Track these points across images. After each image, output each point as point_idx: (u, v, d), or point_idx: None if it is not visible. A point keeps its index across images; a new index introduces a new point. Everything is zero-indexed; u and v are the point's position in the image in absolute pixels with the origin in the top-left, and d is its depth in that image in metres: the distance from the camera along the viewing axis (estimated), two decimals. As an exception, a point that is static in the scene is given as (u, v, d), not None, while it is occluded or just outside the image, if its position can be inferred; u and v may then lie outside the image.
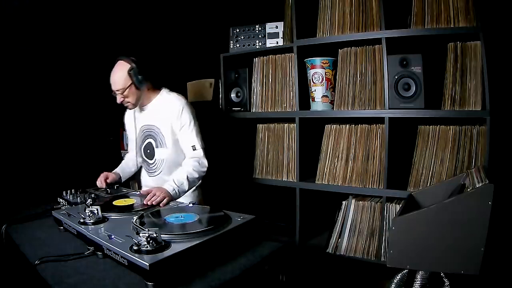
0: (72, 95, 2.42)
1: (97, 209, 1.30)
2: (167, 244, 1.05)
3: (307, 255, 2.21)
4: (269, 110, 2.35)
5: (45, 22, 2.29)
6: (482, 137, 1.74)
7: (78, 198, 1.62)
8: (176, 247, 1.04)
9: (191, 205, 1.47)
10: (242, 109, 2.46)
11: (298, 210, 2.21)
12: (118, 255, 1.05)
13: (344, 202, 2.11)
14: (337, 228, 2.12)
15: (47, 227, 1.46)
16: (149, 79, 1.78)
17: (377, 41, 1.94)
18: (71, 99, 2.41)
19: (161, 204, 1.52)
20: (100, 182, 1.82)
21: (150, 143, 1.85)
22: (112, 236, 1.14)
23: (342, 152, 2.09)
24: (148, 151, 1.87)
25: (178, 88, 2.97)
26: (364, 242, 2.03)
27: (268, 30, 2.37)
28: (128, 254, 1.01)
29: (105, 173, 1.86)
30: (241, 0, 2.82)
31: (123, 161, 2.05)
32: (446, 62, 1.83)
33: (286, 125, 2.30)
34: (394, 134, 1.91)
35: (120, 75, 1.69)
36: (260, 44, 2.39)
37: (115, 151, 1.99)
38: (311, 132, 2.25)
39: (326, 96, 2.14)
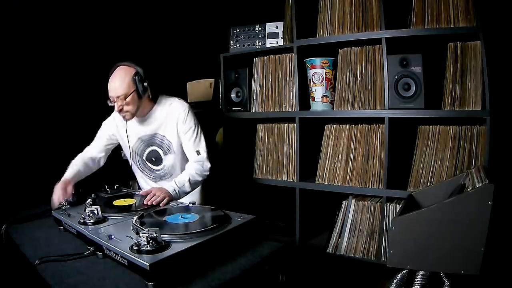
0: (72, 95, 2.42)
1: (97, 209, 1.30)
2: (167, 244, 1.05)
3: (307, 255, 2.21)
4: (269, 110, 2.35)
5: (45, 22, 2.29)
6: (482, 137, 1.74)
7: (78, 198, 1.62)
8: (176, 247, 1.04)
9: (191, 205, 1.47)
10: (242, 109, 2.46)
11: (298, 210, 2.21)
12: (118, 255, 1.05)
13: (344, 202, 2.11)
14: (337, 228, 2.12)
15: (47, 227, 1.46)
16: (152, 88, 1.71)
17: (377, 41, 1.94)
18: (71, 99, 2.41)
19: (161, 204, 1.52)
20: (58, 198, 1.55)
21: (154, 151, 1.83)
22: (112, 236, 1.14)
23: (342, 152, 2.09)
24: (153, 158, 1.85)
25: (178, 88, 2.99)
26: (364, 242, 2.03)
27: (268, 30, 2.37)
28: (128, 254, 1.01)
29: (60, 186, 1.59)
30: (241, 0, 2.83)
31: (76, 163, 1.78)
32: (446, 62, 1.82)
33: (286, 125, 2.30)
34: (394, 134, 1.91)
35: (122, 81, 1.62)
36: (260, 44, 2.39)
37: (115, 151, 1.99)
38: (311, 132, 2.25)
39: (326, 96, 2.14)
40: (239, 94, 2.49)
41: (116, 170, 2.06)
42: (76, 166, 1.76)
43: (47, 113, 2.33)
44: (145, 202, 1.51)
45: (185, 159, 1.85)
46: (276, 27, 2.35)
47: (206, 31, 3.03)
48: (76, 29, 2.44)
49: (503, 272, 1.64)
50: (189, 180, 1.69)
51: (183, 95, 2.94)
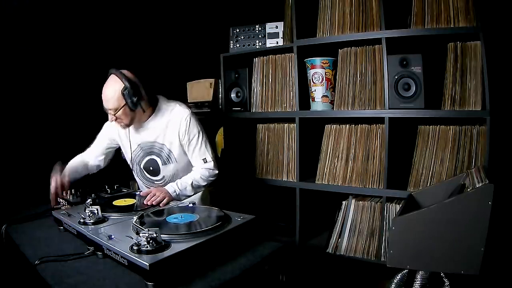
0: (72, 95, 2.41)
1: (97, 209, 1.30)
2: (167, 244, 1.05)
3: (307, 255, 2.21)
4: (269, 110, 2.35)
5: (45, 22, 2.29)
6: (482, 137, 1.74)
7: (78, 198, 1.62)
8: (176, 247, 1.04)
9: (191, 205, 1.47)
10: (242, 109, 2.46)
11: (298, 210, 2.21)
12: (118, 255, 1.05)
13: (344, 202, 2.11)
14: (337, 228, 2.12)
15: (47, 227, 1.45)
16: (147, 98, 1.65)
17: (377, 41, 1.94)
18: (71, 99, 2.41)
19: (161, 204, 1.52)
20: (54, 198, 1.57)
21: (152, 160, 1.76)
22: (112, 236, 1.14)
23: (342, 152, 2.09)
24: (151, 168, 1.79)
25: (178, 88, 2.99)
26: (364, 242, 2.03)
27: (268, 30, 2.37)
28: (128, 254, 1.01)
29: (55, 185, 1.59)
30: (241, 0, 2.82)
31: (74, 161, 1.80)
32: (446, 62, 1.83)
33: (286, 125, 2.30)
34: (394, 134, 1.91)
35: (112, 94, 1.55)
36: (260, 44, 2.39)
37: (114, 151, 1.99)
38: (311, 132, 2.25)
39: (326, 96, 2.14)
40: (239, 94, 2.49)
41: (116, 170, 2.06)
42: (73, 163, 1.77)
43: (47, 113, 2.33)
44: (145, 202, 1.51)
45: (187, 168, 1.78)
46: (276, 27, 2.35)
47: (206, 31, 3.03)
48: (76, 28, 2.44)
49: (503, 272, 1.64)
50: (191, 183, 1.67)
51: (183, 95, 2.95)
